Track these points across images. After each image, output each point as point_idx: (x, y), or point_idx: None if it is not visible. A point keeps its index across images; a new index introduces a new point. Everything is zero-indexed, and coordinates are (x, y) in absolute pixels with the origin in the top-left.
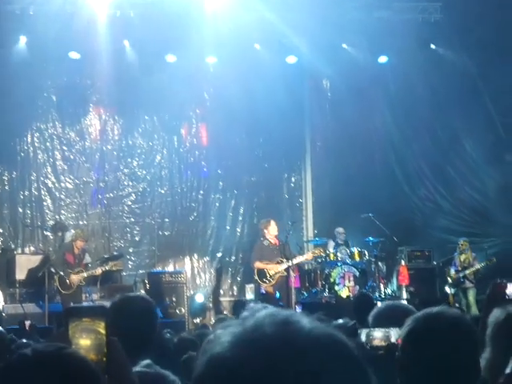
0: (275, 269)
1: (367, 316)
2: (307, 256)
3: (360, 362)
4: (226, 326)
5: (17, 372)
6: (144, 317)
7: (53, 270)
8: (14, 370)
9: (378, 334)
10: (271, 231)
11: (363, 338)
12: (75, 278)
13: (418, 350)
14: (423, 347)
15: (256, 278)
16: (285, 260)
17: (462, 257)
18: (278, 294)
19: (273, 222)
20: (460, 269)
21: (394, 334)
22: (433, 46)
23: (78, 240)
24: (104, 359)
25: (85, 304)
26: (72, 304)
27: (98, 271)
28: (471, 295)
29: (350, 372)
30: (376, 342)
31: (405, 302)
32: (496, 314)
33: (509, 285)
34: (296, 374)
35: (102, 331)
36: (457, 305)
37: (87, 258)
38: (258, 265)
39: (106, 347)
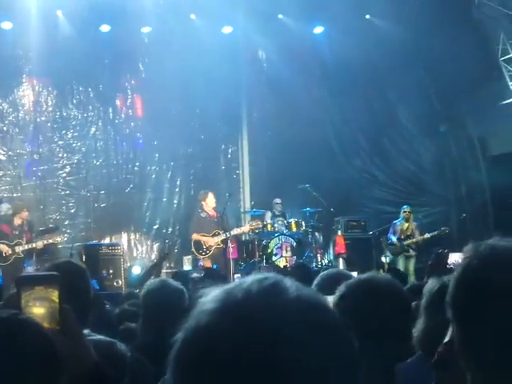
0: (211, 241)
1: (305, 285)
2: (245, 228)
3: (345, 329)
4: (209, 292)
5: None
6: (75, 282)
7: None
8: None
9: None
10: (209, 203)
11: None
12: (10, 250)
13: (349, 316)
14: (354, 312)
15: (193, 249)
16: (222, 232)
17: (405, 225)
18: (215, 266)
19: (211, 194)
20: (402, 237)
21: (331, 301)
22: (368, 16)
23: (22, 211)
24: (57, 327)
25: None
26: (10, 276)
27: (39, 244)
28: (412, 264)
29: (337, 339)
30: None
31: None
32: (431, 285)
33: (450, 254)
34: (285, 341)
35: (55, 299)
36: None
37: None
38: (194, 236)
39: (58, 315)
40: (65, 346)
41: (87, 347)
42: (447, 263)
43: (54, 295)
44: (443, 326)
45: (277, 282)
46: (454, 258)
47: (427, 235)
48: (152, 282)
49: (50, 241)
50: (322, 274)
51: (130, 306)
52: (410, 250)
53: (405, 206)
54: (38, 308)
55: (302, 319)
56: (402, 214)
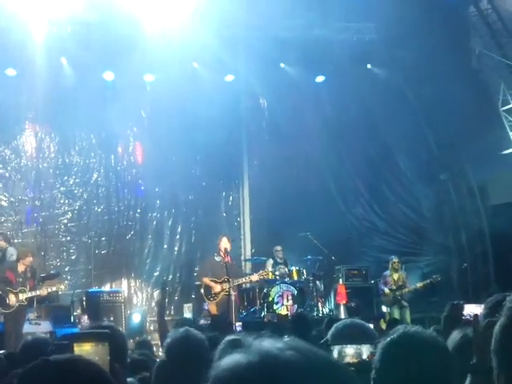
0: (219, 287)
1: (305, 336)
2: (253, 277)
3: None
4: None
5: (40, 376)
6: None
7: None
8: (37, 374)
9: (349, 351)
10: (221, 247)
11: (335, 354)
12: (14, 298)
13: (395, 372)
14: (400, 368)
15: (202, 292)
16: (229, 279)
17: (395, 275)
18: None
19: (224, 239)
20: (394, 287)
21: (366, 351)
22: (368, 66)
23: (26, 257)
24: None
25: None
26: (13, 323)
27: (43, 292)
28: (407, 314)
29: None
30: (348, 359)
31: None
32: (454, 336)
33: (465, 306)
34: None
35: (106, 356)
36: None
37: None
38: (204, 280)
39: (109, 372)
40: None
41: None
42: (463, 315)
43: (105, 352)
44: (466, 376)
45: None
46: (470, 310)
47: (419, 284)
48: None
49: (54, 288)
50: (336, 324)
51: (140, 356)
52: (402, 301)
53: (392, 257)
54: None
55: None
56: (390, 265)
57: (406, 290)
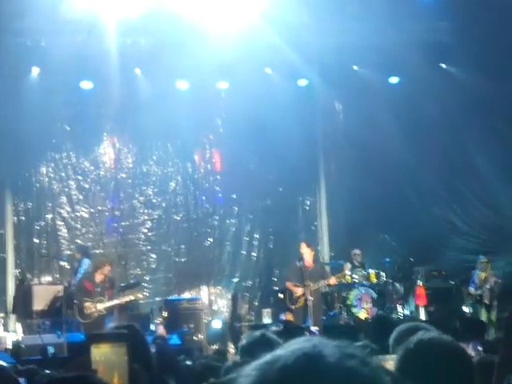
0: (299, 291)
1: (386, 338)
2: (331, 281)
3: None
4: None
5: None
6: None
7: (74, 300)
8: None
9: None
10: (300, 252)
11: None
12: (92, 307)
13: (409, 378)
14: (415, 378)
15: (285, 297)
16: (306, 284)
17: (482, 275)
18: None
19: (302, 245)
20: (480, 286)
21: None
22: (444, 66)
23: (104, 266)
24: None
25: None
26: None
27: (121, 301)
28: (494, 314)
29: None
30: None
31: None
32: None
33: None
34: None
35: (124, 356)
36: None
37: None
38: (287, 284)
39: (128, 372)
40: None
41: None
42: None
43: (123, 353)
44: None
45: (315, 353)
46: None
47: (498, 280)
48: None
49: (132, 297)
50: (399, 327)
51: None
52: (485, 300)
53: (481, 256)
54: (107, 364)
55: None
56: (477, 264)
57: (488, 287)
